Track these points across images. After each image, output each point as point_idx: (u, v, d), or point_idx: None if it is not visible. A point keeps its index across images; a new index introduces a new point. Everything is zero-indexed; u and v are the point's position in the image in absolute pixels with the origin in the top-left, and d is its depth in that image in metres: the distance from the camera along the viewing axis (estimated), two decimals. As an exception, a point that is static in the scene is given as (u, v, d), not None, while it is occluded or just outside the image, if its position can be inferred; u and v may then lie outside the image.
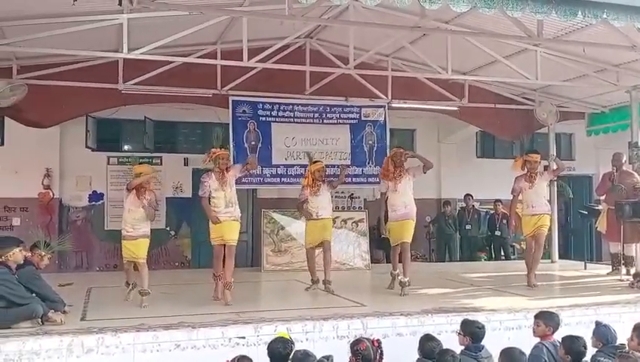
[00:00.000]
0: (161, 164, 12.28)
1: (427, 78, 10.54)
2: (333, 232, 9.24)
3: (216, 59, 9.66)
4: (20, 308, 5.76)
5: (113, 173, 12.13)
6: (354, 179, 11.32)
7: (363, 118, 11.36)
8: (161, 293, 7.75)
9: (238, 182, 7.84)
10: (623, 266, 9.63)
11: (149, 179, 7.32)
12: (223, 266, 7.38)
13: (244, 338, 5.63)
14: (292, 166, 10.86)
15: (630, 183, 9.48)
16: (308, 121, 11.06)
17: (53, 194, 11.61)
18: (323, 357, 4.19)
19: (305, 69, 10.01)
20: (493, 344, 4.90)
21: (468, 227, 13.41)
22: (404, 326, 6.13)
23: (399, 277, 8.02)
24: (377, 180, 11.27)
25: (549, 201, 9.64)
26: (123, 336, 5.39)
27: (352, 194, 13.25)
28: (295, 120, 10.99)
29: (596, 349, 4.79)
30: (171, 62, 8.99)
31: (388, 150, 11.35)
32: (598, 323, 4.98)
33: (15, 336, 5.31)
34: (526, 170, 8.63)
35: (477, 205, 13.77)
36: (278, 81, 10.29)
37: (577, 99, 12.12)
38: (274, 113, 10.88)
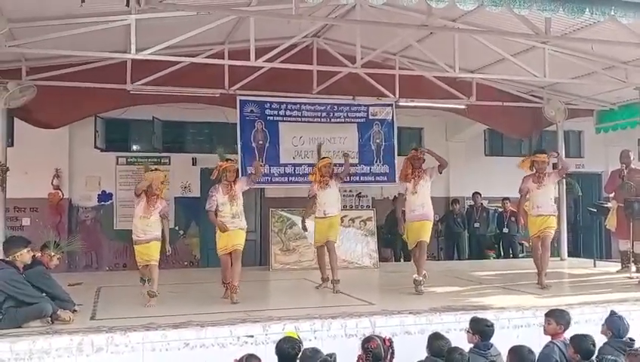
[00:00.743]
0: (170, 163, 12.33)
1: (434, 77, 10.50)
2: (341, 231, 9.25)
3: (223, 59, 9.68)
4: (30, 307, 5.81)
5: (122, 173, 12.22)
6: (362, 178, 11.32)
7: (370, 117, 11.34)
8: (170, 293, 7.78)
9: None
10: (632, 264, 9.60)
11: (158, 185, 7.35)
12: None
13: (252, 336, 5.65)
14: (300, 165, 10.86)
15: (639, 180, 9.44)
16: (315, 120, 11.04)
17: (63, 195, 11.70)
18: (326, 354, 4.20)
19: (312, 68, 9.98)
20: (501, 342, 4.90)
21: (476, 225, 13.38)
22: (413, 325, 6.12)
23: (413, 276, 8.01)
24: (385, 179, 11.42)
25: (558, 199, 9.60)
26: (132, 335, 5.42)
27: (360, 192, 13.29)
28: (303, 119, 10.98)
29: (605, 339, 4.77)
30: (179, 62, 9.03)
31: (396, 149, 11.40)
32: (612, 313, 4.99)
33: (25, 335, 5.35)
34: (534, 170, 8.59)
35: (485, 203, 13.74)
36: (285, 81, 10.27)
37: (586, 96, 12.05)
38: (281, 112, 10.88)
